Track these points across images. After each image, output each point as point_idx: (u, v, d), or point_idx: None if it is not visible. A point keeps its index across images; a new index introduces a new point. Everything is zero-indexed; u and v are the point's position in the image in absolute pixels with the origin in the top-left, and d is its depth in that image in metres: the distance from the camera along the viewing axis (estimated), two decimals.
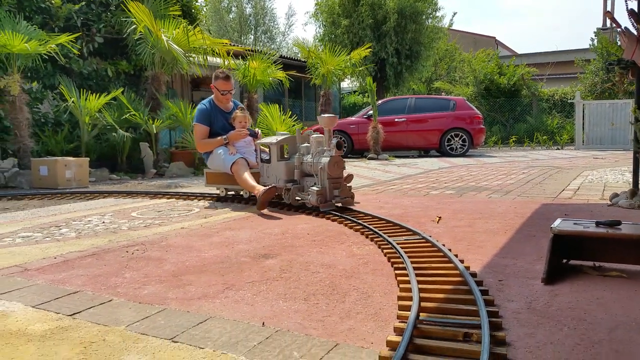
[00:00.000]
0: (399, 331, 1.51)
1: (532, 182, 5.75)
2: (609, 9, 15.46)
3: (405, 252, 2.35)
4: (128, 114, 8.32)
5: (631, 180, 4.14)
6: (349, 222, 3.31)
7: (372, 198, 4.69)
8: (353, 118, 12.90)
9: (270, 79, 10.36)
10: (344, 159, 3.94)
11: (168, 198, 5.00)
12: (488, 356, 1.29)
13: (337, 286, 2.03)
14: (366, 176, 7.14)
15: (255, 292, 1.98)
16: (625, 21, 3.63)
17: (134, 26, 8.37)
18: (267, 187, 3.98)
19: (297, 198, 4.08)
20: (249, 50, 10.86)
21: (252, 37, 35.33)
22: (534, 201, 4.22)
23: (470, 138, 12.03)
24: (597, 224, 2.11)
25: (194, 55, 8.95)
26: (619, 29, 3.61)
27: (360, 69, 14.82)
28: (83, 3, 9.06)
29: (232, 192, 4.74)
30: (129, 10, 8.12)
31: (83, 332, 1.61)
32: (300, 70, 13.89)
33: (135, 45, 8.75)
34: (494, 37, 31.29)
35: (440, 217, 3.51)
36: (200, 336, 1.56)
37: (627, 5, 3.58)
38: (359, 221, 3.23)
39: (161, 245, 2.85)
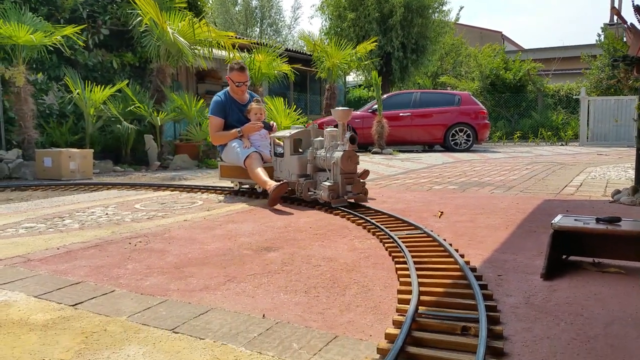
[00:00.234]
0: (397, 324, 1.53)
1: (535, 178, 5.75)
2: (616, 4, 15.33)
3: (406, 247, 2.36)
4: (133, 106, 8.35)
5: (634, 177, 4.13)
6: (352, 216, 3.32)
7: (376, 192, 4.69)
8: (358, 112, 12.82)
9: (276, 72, 10.37)
10: (358, 154, 3.85)
11: (171, 190, 5.02)
12: (485, 349, 1.30)
13: (337, 279, 2.05)
14: (370, 170, 7.12)
15: (257, 284, 2.00)
16: (631, 17, 3.61)
17: (139, 18, 8.37)
18: (279, 183, 3.88)
19: (309, 193, 3.95)
20: (254, 43, 10.86)
21: (258, 29, 35.27)
22: (536, 197, 4.22)
23: (474, 133, 11.96)
24: (597, 220, 2.12)
25: (199, 47, 8.94)
26: (625, 25, 3.60)
27: (366, 62, 14.78)
28: None
29: (247, 186, 4.64)
30: (135, 3, 8.13)
31: (85, 322, 1.63)
32: (305, 63, 13.87)
33: (141, 38, 8.75)
34: (501, 32, 31.14)
35: (442, 212, 3.51)
36: (201, 327, 1.58)
37: (633, 2, 3.57)
38: (362, 215, 3.24)
39: (164, 237, 2.87)
